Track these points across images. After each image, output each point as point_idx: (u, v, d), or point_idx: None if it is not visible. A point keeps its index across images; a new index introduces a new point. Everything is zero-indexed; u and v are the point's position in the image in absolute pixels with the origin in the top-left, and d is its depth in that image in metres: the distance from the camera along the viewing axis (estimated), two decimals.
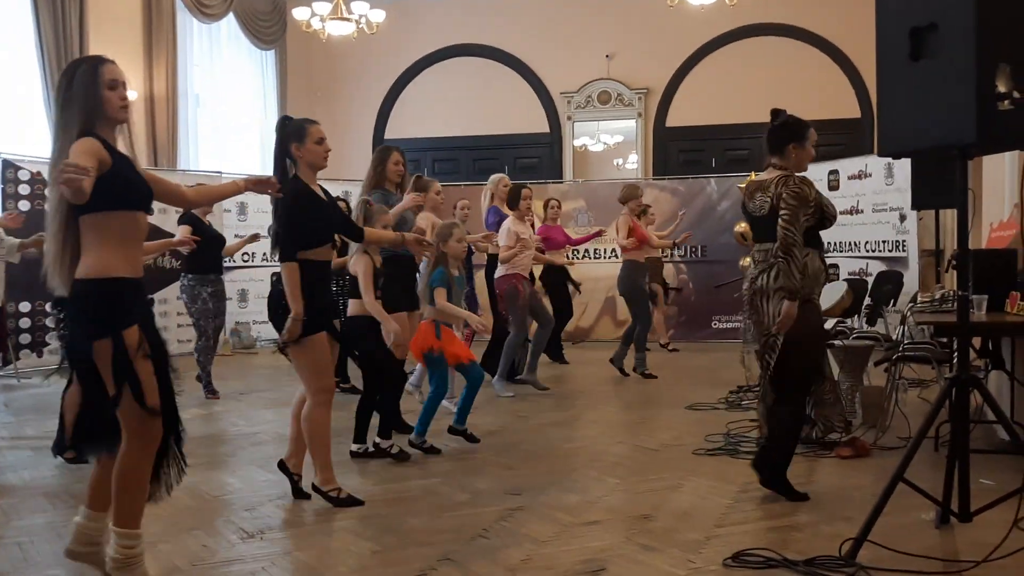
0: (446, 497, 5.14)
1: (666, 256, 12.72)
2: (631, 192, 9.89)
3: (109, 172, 3.55)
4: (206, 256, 8.42)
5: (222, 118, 14.65)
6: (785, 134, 4.88)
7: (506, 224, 8.72)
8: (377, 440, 6.00)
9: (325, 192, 5.06)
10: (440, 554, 4.12)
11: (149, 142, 13.25)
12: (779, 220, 4.69)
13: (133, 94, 12.73)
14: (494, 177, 9.31)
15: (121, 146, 3.74)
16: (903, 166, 10.16)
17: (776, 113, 4.98)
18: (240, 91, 15.02)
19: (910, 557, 3.86)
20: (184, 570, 3.98)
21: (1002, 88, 3.71)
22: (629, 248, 9.65)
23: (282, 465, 5.15)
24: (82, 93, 3.59)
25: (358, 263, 5.83)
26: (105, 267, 3.56)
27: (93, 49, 11.97)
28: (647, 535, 4.36)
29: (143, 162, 12.33)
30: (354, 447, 6.07)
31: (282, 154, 4.95)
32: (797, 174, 4.87)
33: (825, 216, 4.90)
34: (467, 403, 6.35)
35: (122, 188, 3.60)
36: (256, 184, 4.37)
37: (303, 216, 4.82)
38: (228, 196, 4.62)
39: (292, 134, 4.92)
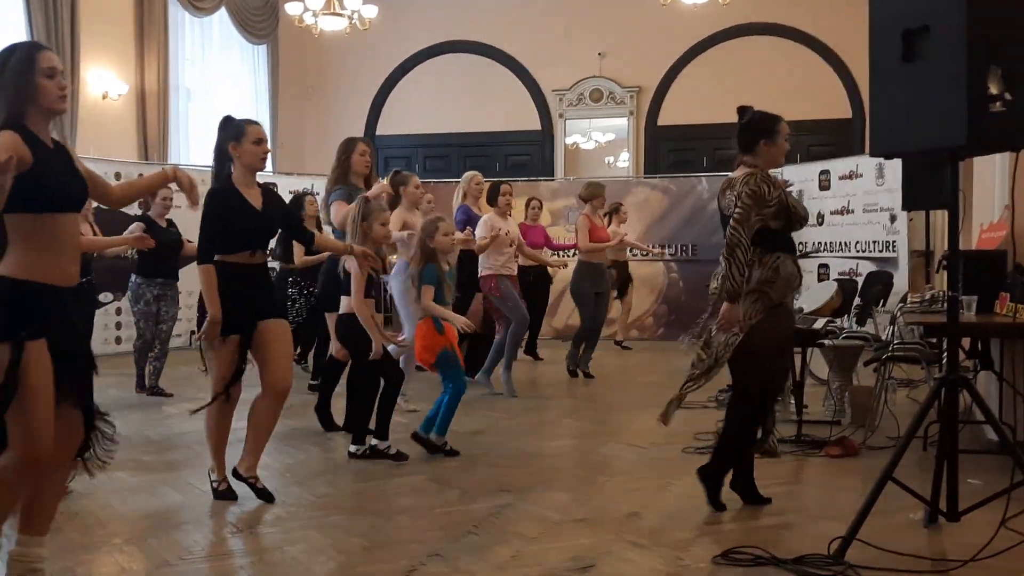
0: (435, 495, 5.14)
1: (635, 256, 12.60)
2: (593, 191, 9.68)
3: (28, 172, 3.27)
4: (156, 259, 8.17)
5: (213, 113, 14.58)
6: (754, 131, 4.75)
7: (485, 217, 8.59)
8: (375, 443, 5.85)
9: (269, 194, 5.01)
10: (429, 551, 4.11)
11: (139, 136, 13.22)
12: (731, 219, 4.52)
13: (125, 87, 12.74)
14: (466, 175, 9.06)
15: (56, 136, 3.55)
16: (894, 167, 10.19)
17: (743, 110, 4.85)
18: (231, 86, 14.99)
19: (898, 556, 3.87)
20: (173, 564, 3.97)
21: (994, 90, 3.72)
22: (587, 251, 9.45)
23: (235, 472, 5.03)
24: (14, 81, 3.35)
25: (352, 261, 5.70)
26: (17, 269, 3.32)
27: (84, 42, 11.92)
28: (636, 533, 4.36)
29: (131, 155, 12.26)
30: (352, 448, 5.91)
31: (221, 153, 4.89)
32: (766, 171, 4.68)
33: (793, 218, 4.67)
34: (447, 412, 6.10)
35: (38, 190, 3.32)
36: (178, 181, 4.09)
37: (218, 220, 4.77)
38: (155, 188, 4.34)
39: (231, 133, 4.86)
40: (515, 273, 8.75)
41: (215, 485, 4.97)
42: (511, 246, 8.58)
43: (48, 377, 3.31)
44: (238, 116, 5.05)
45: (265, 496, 4.92)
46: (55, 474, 3.52)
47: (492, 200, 8.79)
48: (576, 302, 9.69)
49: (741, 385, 4.79)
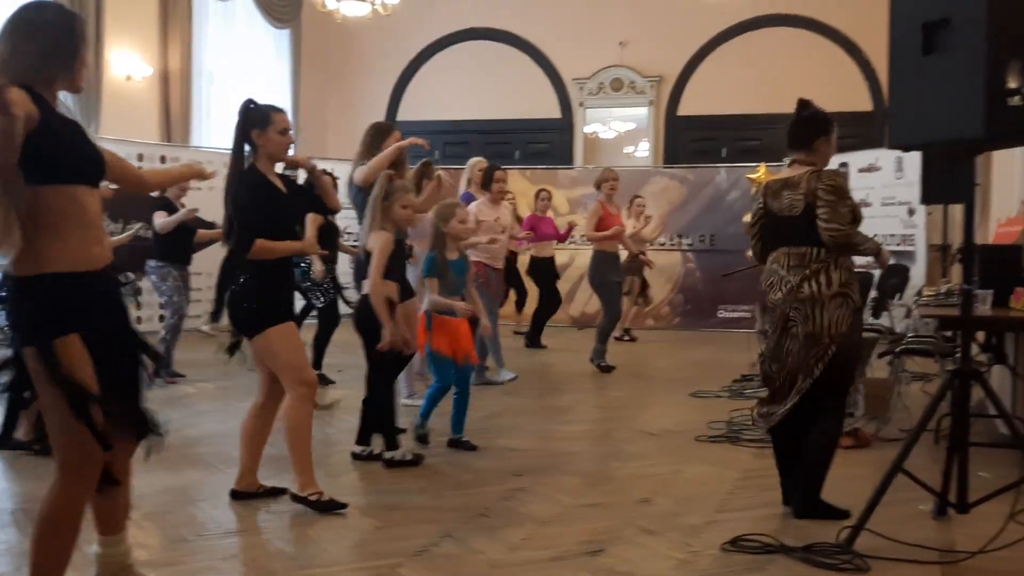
0: (449, 476, 5.19)
1: (651, 246, 12.42)
2: (602, 176, 9.48)
3: (37, 133, 2.85)
4: (174, 243, 8.18)
5: (235, 96, 14.63)
6: (815, 127, 4.54)
7: (472, 206, 8.19)
8: (386, 455, 5.42)
9: (287, 182, 4.79)
10: (442, 531, 4.17)
11: (162, 118, 13.30)
12: (818, 221, 4.32)
13: (149, 69, 12.83)
14: (472, 161, 8.86)
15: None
16: (913, 160, 10.15)
17: (804, 104, 4.62)
18: (254, 70, 15.04)
19: (907, 547, 3.90)
20: (190, 540, 4.04)
21: (1012, 84, 3.73)
22: (597, 239, 9.22)
23: (235, 494, 4.70)
24: (61, 42, 3.03)
25: (374, 239, 5.38)
26: (37, 260, 2.93)
27: (109, 24, 11.99)
28: (647, 518, 4.41)
29: (154, 137, 12.25)
30: (356, 449, 5.60)
31: (242, 139, 4.55)
32: (827, 168, 4.51)
33: (855, 218, 4.48)
34: (460, 410, 5.86)
35: (52, 154, 2.93)
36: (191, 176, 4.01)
37: (262, 208, 4.53)
38: (190, 178, 4.07)
39: (256, 119, 4.53)
40: (502, 266, 8.49)
41: (314, 499, 4.49)
42: (503, 233, 8.31)
43: (90, 371, 2.99)
44: (260, 100, 4.79)
45: (276, 492, 4.76)
46: (123, 468, 3.24)
47: (486, 185, 8.44)
48: (600, 293, 9.41)
49: (839, 391, 4.51)
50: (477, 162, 8.80)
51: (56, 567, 3.04)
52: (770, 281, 4.55)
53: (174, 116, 13.35)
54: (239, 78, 14.72)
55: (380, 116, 16.08)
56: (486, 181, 8.44)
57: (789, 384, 4.49)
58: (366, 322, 5.42)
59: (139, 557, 3.80)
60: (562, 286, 11.89)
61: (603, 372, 9.14)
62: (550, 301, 10.88)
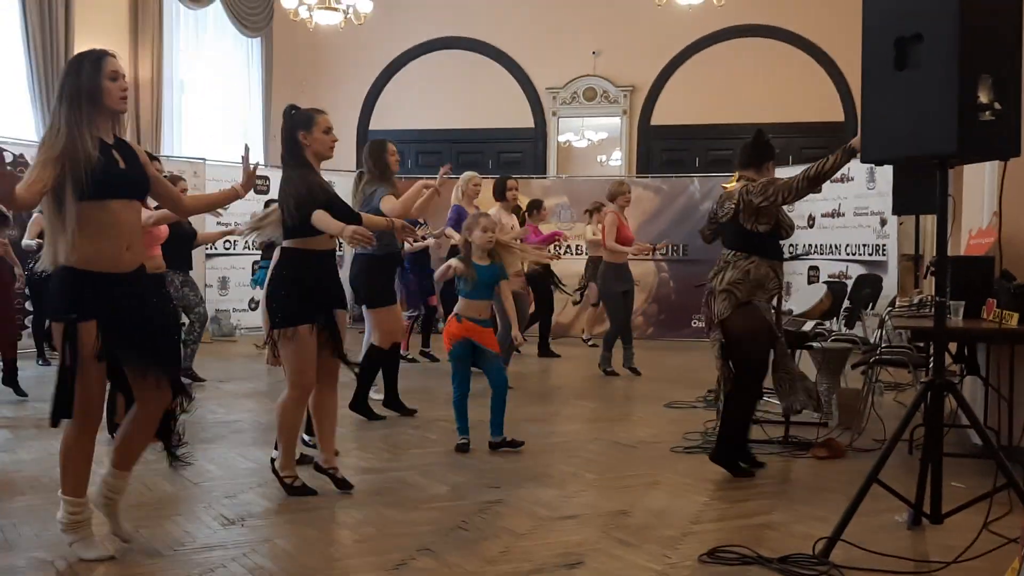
0: (425, 489, 5.17)
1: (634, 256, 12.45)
2: (616, 189, 9.72)
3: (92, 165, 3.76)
4: (171, 252, 7.99)
5: (206, 105, 14.59)
6: (766, 153, 5.42)
7: (495, 212, 8.58)
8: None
9: None
10: (419, 545, 4.15)
11: (133, 127, 13.18)
12: (773, 205, 5.21)
13: None
14: (465, 175, 9.12)
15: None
16: (885, 171, 10.24)
17: (761, 133, 5.52)
18: (225, 79, 14.97)
19: (882, 557, 3.92)
20: (165, 555, 4.00)
21: (984, 99, 3.78)
22: (615, 250, 9.47)
23: (317, 467, 5.14)
24: (85, 84, 3.86)
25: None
26: (72, 256, 3.77)
27: (79, 33, 11.92)
28: (623, 530, 4.41)
29: None
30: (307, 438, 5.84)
31: (291, 141, 4.96)
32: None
33: (781, 226, 5.36)
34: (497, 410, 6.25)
35: (89, 179, 3.74)
36: (248, 182, 4.50)
37: (319, 195, 4.88)
38: (227, 203, 4.68)
39: (300, 122, 4.95)
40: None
41: (288, 482, 4.99)
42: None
43: (97, 364, 3.79)
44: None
45: (344, 485, 5.03)
46: (146, 424, 4.01)
47: (500, 195, 9.02)
48: (605, 304, 9.91)
49: (740, 372, 5.42)
50: (470, 177, 9.10)
51: (78, 484, 3.96)
52: (712, 272, 5.50)
53: (144, 125, 13.25)
54: (210, 87, 14.65)
55: (352, 125, 16.08)
56: (499, 191, 9.06)
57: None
58: None
59: (111, 570, 3.80)
60: None
61: (611, 376, 9.62)
62: (543, 306, 11.15)
